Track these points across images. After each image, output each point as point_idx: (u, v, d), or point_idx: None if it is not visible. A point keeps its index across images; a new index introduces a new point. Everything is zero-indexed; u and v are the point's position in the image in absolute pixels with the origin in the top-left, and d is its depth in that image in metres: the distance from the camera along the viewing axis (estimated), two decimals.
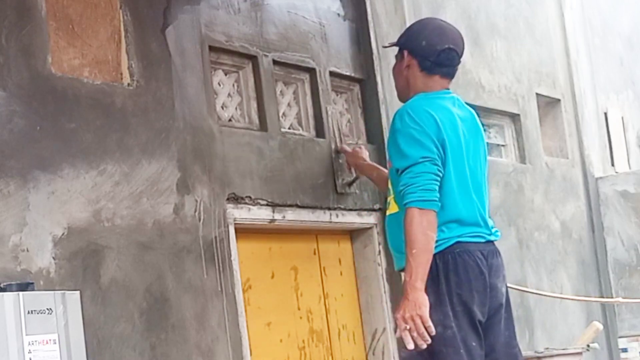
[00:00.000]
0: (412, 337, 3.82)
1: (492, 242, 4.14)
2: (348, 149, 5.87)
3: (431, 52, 4.16)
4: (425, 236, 3.87)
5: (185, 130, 5.15)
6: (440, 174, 3.95)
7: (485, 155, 4.27)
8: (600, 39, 9.81)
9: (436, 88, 4.17)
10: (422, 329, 3.81)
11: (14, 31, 4.44)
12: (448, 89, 4.23)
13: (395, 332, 3.99)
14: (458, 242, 3.99)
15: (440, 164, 3.95)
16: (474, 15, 7.88)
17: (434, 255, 3.96)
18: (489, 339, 4.05)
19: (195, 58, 5.31)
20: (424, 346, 3.83)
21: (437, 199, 3.92)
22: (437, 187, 3.93)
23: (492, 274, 4.05)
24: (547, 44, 8.80)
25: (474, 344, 3.96)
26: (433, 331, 3.84)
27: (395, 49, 4.39)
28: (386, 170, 4.78)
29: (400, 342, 3.98)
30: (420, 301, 3.83)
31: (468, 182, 4.08)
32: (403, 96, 4.32)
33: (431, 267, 3.95)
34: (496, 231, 4.21)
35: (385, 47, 4.63)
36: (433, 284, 3.95)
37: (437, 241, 3.98)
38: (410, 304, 3.83)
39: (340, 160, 6.00)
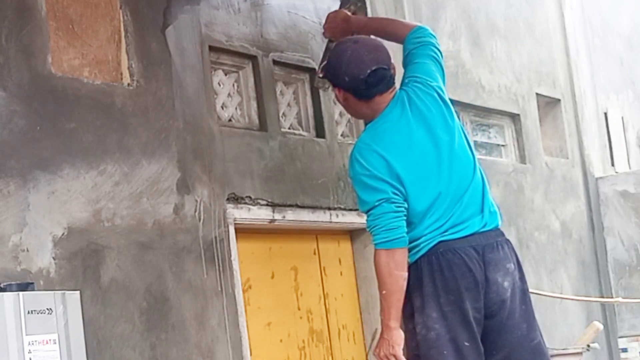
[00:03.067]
0: None
1: (491, 232, 4.09)
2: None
3: (358, 83, 4.03)
4: (393, 277, 3.93)
5: (185, 130, 5.15)
6: (402, 208, 3.95)
7: (457, 127, 4.09)
8: (600, 39, 9.81)
9: (381, 108, 4.09)
10: None
11: (14, 31, 4.44)
12: (392, 97, 4.13)
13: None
14: (441, 241, 3.98)
15: (399, 199, 3.95)
16: (474, 15, 7.88)
17: (419, 258, 3.98)
18: (501, 335, 4.03)
19: (195, 58, 5.31)
20: None
21: (402, 235, 3.93)
22: (401, 223, 3.94)
23: (489, 269, 4.00)
24: (547, 44, 8.80)
25: (466, 343, 3.95)
26: None
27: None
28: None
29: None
30: (394, 340, 3.94)
31: (443, 182, 4.02)
32: (361, 119, 4.29)
33: (417, 271, 3.98)
34: (494, 217, 4.08)
35: (320, 77, 4.49)
36: (418, 287, 3.97)
37: (419, 244, 3.99)
38: (385, 343, 3.96)
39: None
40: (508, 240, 4.12)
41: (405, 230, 3.95)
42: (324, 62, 4.33)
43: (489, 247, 4.02)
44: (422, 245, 3.98)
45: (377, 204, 3.94)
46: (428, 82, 4.13)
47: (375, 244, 3.96)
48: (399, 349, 3.93)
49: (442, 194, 4.02)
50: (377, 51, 4.09)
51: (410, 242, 3.98)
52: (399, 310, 3.96)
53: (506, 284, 4.04)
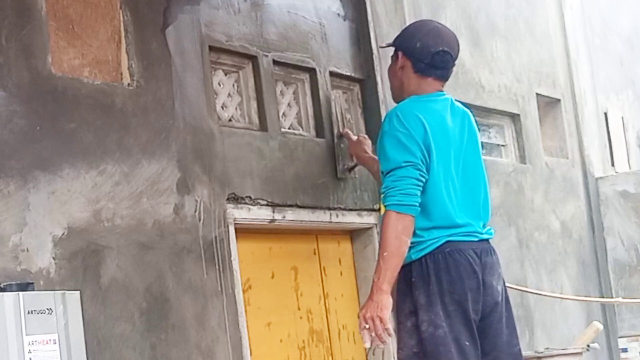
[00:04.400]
0: (371, 337, 3.92)
1: (485, 240, 4.15)
2: (352, 136, 5.80)
3: (425, 54, 4.17)
4: (399, 240, 3.93)
5: (185, 130, 5.15)
6: (423, 179, 3.98)
7: (479, 154, 4.27)
8: (600, 39, 9.81)
9: (429, 90, 4.18)
10: (380, 330, 3.94)
11: (14, 31, 4.44)
12: (442, 90, 4.23)
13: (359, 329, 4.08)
14: (448, 241, 4.02)
15: (423, 169, 3.98)
16: (474, 15, 7.88)
17: (425, 255, 4.00)
18: (489, 337, 4.08)
19: (195, 58, 5.31)
20: (381, 346, 3.97)
21: (416, 203, 3.95)
22: (417, 192, 3.96)
23: (486, 272, 4.07)
24: (547, 44, 8.80)
25: (467, 343, 3.98)
26: (392, 333, 3.98)
27: (392, 50, 4.40)
28: None
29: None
30: (383, 303, 3.94)
31: (457, 183, 4.09)
32: (397, 97, 4.34)
33: (422, 268, 4.00)
34: (489, 229, 4.22)
35: (382, 47, 4.65)
36: (424, 285, 3.99)
37: (426, 241, 4.02)
38: (373, 305, 3.95)
39: (342, 145, 5.96)
40: (494, 249, 4.21)
41: (419, 201, 3.96)
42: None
43: (484, 251, 4.12)
44: (428, 242, 4.01)
45: (403, 165, 3.96)
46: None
47: (388, 205, 3.96)
48: (387, 312, 3.92)
49: (456, 193, 4.08)
50: (454, 42, 4.28)
51: (416, 236, 4.00)
52: (394, 276, 3.96)
53: (499, 288, 4.13)
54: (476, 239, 4.10)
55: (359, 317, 3.99)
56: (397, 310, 4.10)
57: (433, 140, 4.01)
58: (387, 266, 3.93)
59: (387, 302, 3.93)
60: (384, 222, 3.96)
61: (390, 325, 3.94)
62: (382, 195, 4.02)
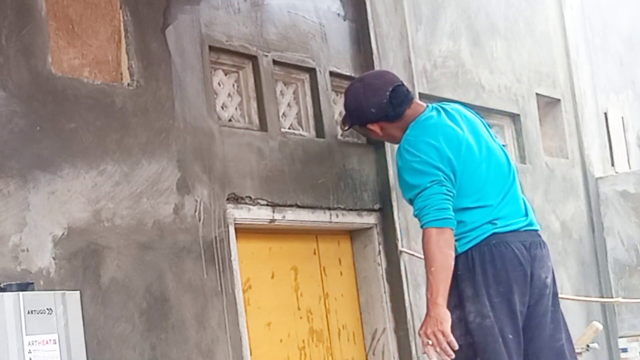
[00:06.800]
0: (436, 352, 3.92)
1: (534, 232, 4.18)
2: None
3: (385, 108, 4.22)
4: (443, 254, 3.97)
5: (185, 130, 5.16)
6: (451, 193, 4.03)
7: (494, 140, 4.31)
8: (600, 39, 9.81)
9: (415, 116, 4.23)
10: (445, 344, 3.93)
11: (14, 31, 4.44)
12: (422, 105, 4.29)
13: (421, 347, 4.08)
14: (494, 233, 4.06)
15: (448, 183, 4.03)
16: (474, 15, 7.88)
17: (470, 248, 4.04)
18: (531, 329, 4.11)
19: (195, 58, 5.31)
20: None
21: (451, 216, 4.00)
22: (449, 205, 4.01)
23: (535, 265, 4.11)
24: (547, 44, 8.80)
25: (510, 336, 4.01)
26: (456, 346, 3.94)
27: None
28: None
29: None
30: (442, 317, 3.94)
31: (487, 181, 4.13)
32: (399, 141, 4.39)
33: (467, 260, 4.04)
34: (535, 220, 4.25)
35: (345, 130, 4.67)
36: (470, 277, 4.03)
37: (471, 233, 4.06)
38: (432, 320, 3.96)
39: None
40: (545, 243, 4.21)
41: (453, 214, 4.00)
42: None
43: (534, 244, 4.17)
44: (473, 235, 4.06)
45: (428, 185, 4.01)
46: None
47: (425, 223, 4.01)
48: (447, 325, 3.94)
49: (489, 187, 4.10)
50: (384, 76, 4.35)
51: (460, 232, 4.04)
52: (447, 289, 3.99)
53: (548, 281, 4.20)
54: (523, 230, 4.13)
55: (419, 335, 4.01)
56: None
57: (451, 152, 4.06)
58: (437, 280, 3.96)
59: (445, 315, 3.95)
60: (425, 239, 4.01)
61: (453, 337, 3.94)
62: (417, 217, 4.07)
